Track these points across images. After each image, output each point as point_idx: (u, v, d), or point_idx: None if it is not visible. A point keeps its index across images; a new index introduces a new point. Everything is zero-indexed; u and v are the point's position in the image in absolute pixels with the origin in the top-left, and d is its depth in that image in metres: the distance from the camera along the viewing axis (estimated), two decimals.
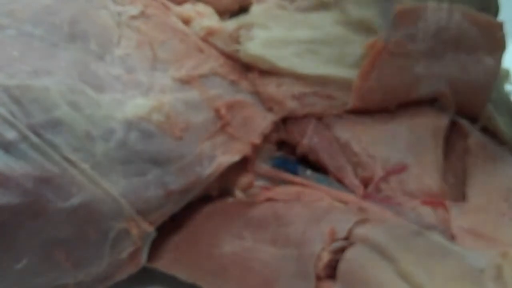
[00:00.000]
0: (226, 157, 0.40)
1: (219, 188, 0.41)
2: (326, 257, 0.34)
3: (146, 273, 0.38)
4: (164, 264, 0.38)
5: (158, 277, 0.39)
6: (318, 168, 0.42)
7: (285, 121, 0.42)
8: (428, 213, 0.37)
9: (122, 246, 0.36)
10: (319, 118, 0.41)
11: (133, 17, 0.39)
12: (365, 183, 0.40)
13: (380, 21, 0.39)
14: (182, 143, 0.38)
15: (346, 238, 0.34)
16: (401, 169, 0.39)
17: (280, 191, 0.40)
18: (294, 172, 0.42)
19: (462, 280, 0.30)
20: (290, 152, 0.43)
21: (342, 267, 0.33)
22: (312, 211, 0.37)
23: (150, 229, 0.37)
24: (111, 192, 0.35)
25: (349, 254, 0.33)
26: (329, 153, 0.41)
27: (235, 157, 0.40)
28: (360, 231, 0.34)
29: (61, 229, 0.34)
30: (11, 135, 0.32)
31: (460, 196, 0.39)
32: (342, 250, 0.34)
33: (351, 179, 0.40)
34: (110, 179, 0.35)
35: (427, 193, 0.38)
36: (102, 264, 0.36)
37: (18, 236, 0.33)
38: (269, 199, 0.39)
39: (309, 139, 0.41)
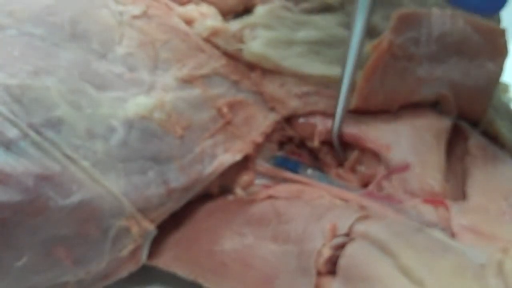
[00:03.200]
0: (228, 156, 0.40)
1: (220, 186, 0.41)
2: (326, 253, 0.34)
3: (146, 271, 0.38)
4: (165, 261, 0.38)
5: (159, 275, 0.38)
6: (319, 168, 0.43)
7: (289, 120, 0.42)
8: (428, 211, 0.37)
9: (122, 244, 0.36)
10: (324, 114, 0.41)
11: (135, 17, 0.40)
12: (367, 181, 0.40)
13: (384, 25, 0.39)
14: (184, 141, 0.38)
15: (347, 235, 0.34)
16: (404, 168, 0.39)
17: (280, 189, 0.40)
18: (295, 171, 0.42)
19: (462, 275, 0.30)
20: (293, 150, 0.43)
21: (343, 262, 0.33)
22: (312, 209, 0.37)
23: (151, 227, 0.37)
24: (112, 190, 0.35)
25: (350, 249, 0.33)
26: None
27: (237, 156, 0.40)
28: (361, 227, 0.34)
29: (61, 226, 0.34)
30: (12, 133, 0.32)
31: (461, 196, 0.39)
32: (342, 246, 0.34)
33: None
34: (111, 177, 0.35)
35: (429, 193, 0.38)
36: (103, 262, 0.36)
37: (18, 234, 0.33)
38: (269, 197, 0.39)
39: (323, 125, 0.41)
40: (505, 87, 0.52)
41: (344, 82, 0.38)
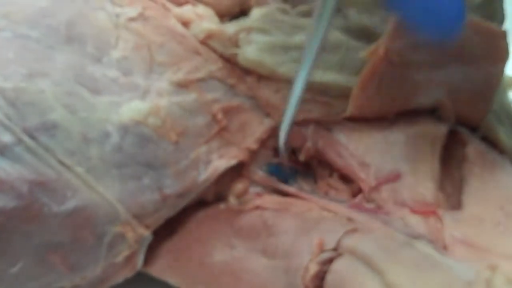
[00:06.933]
0: (222, 162, 0.39)
1: (215, 193, 0.41)
2: (313, 268, 0.34)
3: (142, 277, 0.38)
4: (157, 270, 0.38)
5: (154, 281, 0.39)
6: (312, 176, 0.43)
7: None
8: (417, 222, 0.36)
9: (117, 249, 0.36)
10: (317, 123, 0.41)
11: (131, 19, 0.39)
12: (358, 190, 0.40)
13: (382, 29, 0.38)
14: (178, 147, 0.38)
15: (335, 249, 0.34)
16: (394, 177, 0.39)
17: (269, 200, 0.40)
18: (286, 181, 0.41)
19: None
20: (288, 158, 0.42)
21: (330, 278, 0.33)
22: (301, 222, 0.37)
23: (146, 233, 0.37)
24: (107, 196, 0.35)
25: (337, 265, 0.34)
26: (336, 152, 0.41)
27: (231, 162, 0.40)
28: (348, 241, 0.34)
29: (56, 233, 0.34)
30: (6, 138, 0.32)
31: (458, 204, 0.38)
32: (330, 261, 0.34)
33: (361, 175, 0.40)
34: (106, 183, 0.35)
35: (420, 202, 0.37)
36: (98, 267, 0.36)
37: (13, 240, 0.33)
38: (258, 207, 0.39)
39: (313, 142, 0.41)
40: (510, 81, 0.51)
41: (293, 97, 0.37)
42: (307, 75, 0.36)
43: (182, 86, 0.39)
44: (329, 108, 0.41)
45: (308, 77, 0.36)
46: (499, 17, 0.43)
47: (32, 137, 0.33)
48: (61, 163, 0.33)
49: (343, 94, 0.40)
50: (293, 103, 0.37)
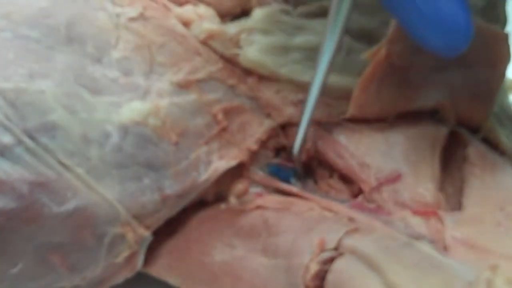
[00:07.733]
0: (222, 163, 0.39)
1: (215, 194, 0.41)
2: (314, 268, 0.34)
3: (142, 277, 0.38)
4: (157, 270, 0.38)
5: (154, 281, 0.39)
6: (311, 177, 0.43)
7: (284, 128, 0.42)
8: (418, 223, 0.36)
9: (118, 250, 0.36)
10: (318, 123, 0.41)
11: (132, 19, 0.39)
12: (358, 191, 0.40)
13: (383, 31, 0.38)
14: (178, 148, 0.38)
15: (336, 249, 0.34)
16: (395, 178, 0.39)
17: (270, 200, 0.40)
18: (287, 181, 0.41)
19: None
20: (288, 158, 0.42)
21: (331, 278, 0.33)
22: (302, 221, 0.37)
23: (146, 233, 0.37)
24: (107, 196, 0.35)
25: (337, 265, 0.33)
26: (336, 152, 0.41)
27: (231, 163, 0.40)
28: (349, 241, 0.34)
29: (56, 233, 0.34)
30: (6, 139, 0.32)
31: (458, 205, 0.38)
32: (331, 260, 0.34)
33: (361, 176, 0.40)
34: (106, 183, 0.35)
35: (421, 203, 0.37)
36: (98, 268, 0.36)
37: (13, 241, 0.33)
38: (258, 207, 0.39)
39: (313, 142, 0.41)
40: (511, 84, 0.51)
41: (309, 105, 0.37)
42: (323, 78, 0.36)
43: (182, 86, 0.39)
44: (330, 109, 0.41)
45: (324, 81, 0.36)
46: (502, 20, 0.43)
47: (32, 138, 0.33)
48: (61, 163, 0.33)
49: (344, 95, 0.40)
50: (309, 107, 0.37)
